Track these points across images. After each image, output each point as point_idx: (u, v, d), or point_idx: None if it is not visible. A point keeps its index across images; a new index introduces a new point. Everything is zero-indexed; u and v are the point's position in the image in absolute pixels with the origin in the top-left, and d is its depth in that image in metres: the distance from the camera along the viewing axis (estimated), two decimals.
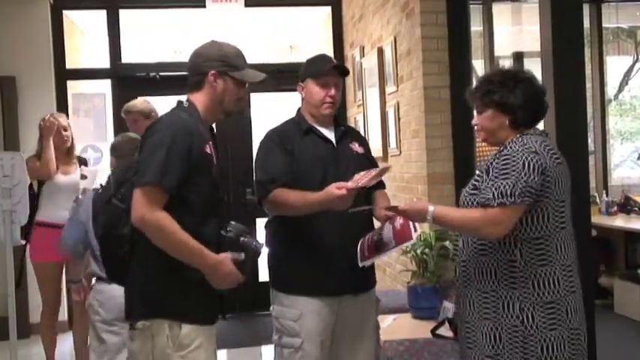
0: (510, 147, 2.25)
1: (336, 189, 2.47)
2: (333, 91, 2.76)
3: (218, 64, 2.35)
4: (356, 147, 2.85)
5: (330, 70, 2.77)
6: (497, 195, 2.17)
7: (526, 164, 2.17)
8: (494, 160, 2.28)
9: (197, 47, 2.43)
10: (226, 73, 2.36)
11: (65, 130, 4.33)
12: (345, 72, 2.89)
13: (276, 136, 2.79)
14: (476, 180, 2.33)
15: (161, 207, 2.15)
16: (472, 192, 2.31)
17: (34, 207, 4.18)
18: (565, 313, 2.23)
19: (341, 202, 2.49)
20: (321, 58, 2.90)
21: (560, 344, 2.21)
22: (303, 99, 2.86)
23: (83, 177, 4.30)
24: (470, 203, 2.30)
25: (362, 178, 2.52)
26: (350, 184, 2.49)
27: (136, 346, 2.28)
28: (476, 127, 2.43)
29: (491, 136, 2.36)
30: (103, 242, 2.34)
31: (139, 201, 2.14)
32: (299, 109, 2.89)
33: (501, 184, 2.17)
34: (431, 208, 2.30)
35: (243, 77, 2.40)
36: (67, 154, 4.34)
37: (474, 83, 2.47)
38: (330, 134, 2.81)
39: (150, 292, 2.23)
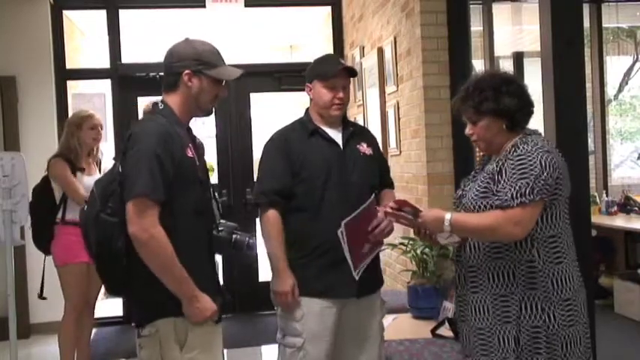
0: (523, 147, 2.24)
1: (290, 296, 2.66)
2: (341, 94, 2.75)
3: (192, 63, 2.31)
4: (364, 148, 2.83)
5: (338, 72, 2.74)
6: (517, 195, 2.16)
7: (543, 163, 2.17)
8: (505, 160, 2.25)
9: (170, 46, 2.39)
10: (201, 72, 2.32)
11: (101, 128, 4.27)
12: (353, 73, 2.86)
13: (280, 140, 2.79)
14: (486, 183, 2.28)
15: (157, 220, 2.14)
16: (484, 195, 2.26)
17: (55, 209, 4.07)
18: (580, 309, 2.27)
19: (278, 297, 2.68)
20: (328, 59, 2.88)
21: (577, 340, 2.25)
22: (311, 99, 2.84)
23: None
24: (482, 206, 2.25)
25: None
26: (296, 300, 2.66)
27: (145, 353, 2.28)
28: (473, 138, 2.38)
29: (490, 144, 2.34)
30: (99, 259, 2.28)
31: (136, 214, 2.11)
32: (307, 109, 2.87)
33: (520, 183, 2.16)
34: (447, 215, 2.26)
35: (218, 75, 2.36)
36: (88, 154, 4.22)
37: (459, 93, 2.41)
38: (337, 135, 2.80)
39: (154, 294, 2.21)
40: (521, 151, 2.23)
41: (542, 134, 2.89)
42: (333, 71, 2.73)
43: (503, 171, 2.24)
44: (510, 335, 2.24)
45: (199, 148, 3.55)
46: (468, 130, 2.38)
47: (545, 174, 2.16)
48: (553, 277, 2.22)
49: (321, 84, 2.75)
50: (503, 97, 2.27)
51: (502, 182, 2.22)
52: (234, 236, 2.38)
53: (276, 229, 2.69)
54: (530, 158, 2.19)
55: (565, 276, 2.24)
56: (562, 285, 2.23)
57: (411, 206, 2.37)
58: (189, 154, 2.30)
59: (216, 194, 2.52)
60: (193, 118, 2.45)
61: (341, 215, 2.60)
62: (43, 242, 4.11)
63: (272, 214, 2.70)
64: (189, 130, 2.42)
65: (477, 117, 2.31)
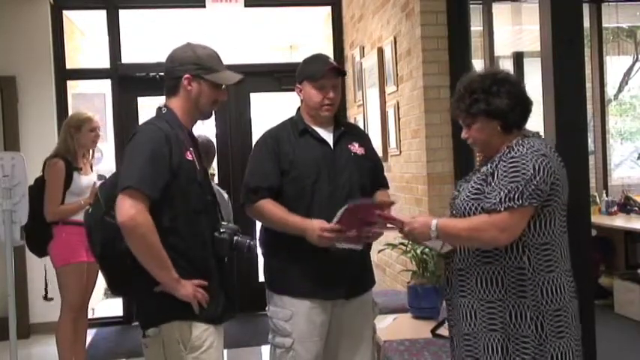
0: (518, 149, 2.17)
1: (319, 228, 2.52)
2: (331, 94, 2.73)
3: (191, 68, 2.34)
4: (355, 147, 2.81)
5: (327, 73, 2.72)
6: (505, 199, 2.09)
7: (536, 167, 2.10)
8: (498, 162, 2.20)
9: (172, 50, 2.42)
10: (200, 76, 2.35)
11: (99, 130, 4.30)
12: (342, 73, 2.84)
13: (271, 139, 2.78)
14: (479, 184, 2.23)
15: (144, 209, 2.16)
16: (475, 197, 2.21)
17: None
18: (571, 320, 2.19)
19: (317, 240, 2.54)
20: (316, 59, 2.83)
21: (567, 352, 2.17)
22: (301, 100, 2.83)
23: (101, 177, 4.24)
24: (473, 208, 2.20)
25: (354, 226, 2.51)
26: (335, 226, 2.50)
27: (150, 353, 2.33)
28: (469, 141, 2.33)
29: (487, 146, 2.28)
30: (103, 260, 2.33)
31: (126, 202, 2.14)
32: (299, 109, 2.86)
33: (510, 187, 2.10)
34: (434, 221, 2.22)
35: (217, 80, 2.38)
36: (83, 154, 4.23)
37: (454, 95, 2.35)
38: (327, 135, 2.78)
39: (158, 298, 2.25)
40: (516, 153, 2.16)
41: (543, 136, 2.87)
42: (322, 72, 2.71)
43: (496, 173, 2.18)
44: (497, 343, 2.18)
45: (210, 150, 3.59)
46: (463, 134, 2.33)
47: (537, 178, 2.09)
48: (543, 286, 2.15)
49: (310, 85, 2.73)
50: (493, 98, 2.20)
51: (493, 184, 2.17)
52: (235, 238, 2.39)
53: (274, 206, 2.66)
54: (523, 161, 2.12)
55: (556, 285, 2.16)
56: (553, 294, 2.15)
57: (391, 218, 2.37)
58: (189, 157, 2.32)
59: (220, 198, 2.53)
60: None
61: (330, 215, 2.58)
62: (40, 244, 4.12)
63: (264, 201, 2.68)
64: (190, 134, 2.44)
65: (470, 120, 2.26)
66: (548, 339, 2.14)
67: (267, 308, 2.81)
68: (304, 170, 2.69)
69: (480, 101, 2.21)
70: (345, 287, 2.71)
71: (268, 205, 2.67)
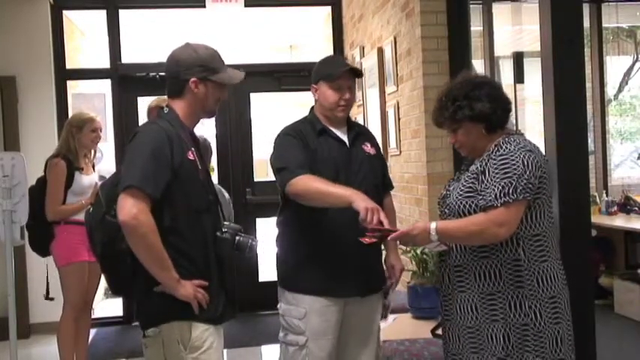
0: (505, 147, 2.26)
1: (375, 209, 2.36)
2: (347, 95, 2.74)
3: (198, 70, 2.35)
4: (368, 148, 2.84)
5: (343, 74, 2.74)
6: (500, 194, 2.17)
7: (525, 162, 2.20)
8: (488, 160, 2.28)
9: (172, 51, 2.41)
10: (207, 78, 2.36)
11: (101, 130, 4.32)
12: (359, 74, 2.86)
13: (294, 132, 2.77)
14: (470, 183, 2.30)
15: (146, 208, 2.16)
16: (468, 195, 2.28)
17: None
18: (564, 306, 2.29)
19: (367, 202, 2.37)
20: (333, 60, 2.87)
21: (563, 337, 2.26)
22: (316, 100, 2.83)
23: (102, 178, 4.24)
24: (468, 206, 2.27)
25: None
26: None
27: (149, 353, 2.34)
28: (456, 146, 2.42)
29: (474, 149, 2.37)
30: (104, 259, 2.33)
31: (128, 202, 2.14)
32: (312, 109, 2.87)
33: (503, 183, 2.18)
34: (432, 225, 2.28)
35: (222, 80, 2.40)
36: (85, 154, 4.25)
37: (435, 104, 2.43)
38: (343, 135, 2.80)
39: (158, 298, 2.25)
40: (504, 150, 2.25)
41: (543, 136, 2.90)
42: (339, 72, 2.73)
43: (487, 171, 2.26)
44: (499, 333, 2.26)
45: (208, 149, 3.60)
46: (450, 139, 2.42)
47: (527, 173, 2.18)
48: (539, 276, 2.25)
49: (327, 85, 2.74)
50: (476, 102, 2.29)
51: (485, 182, 2.24)
52: (237, 238, 2.39)
53: (315, 178, 2.54)
54: (512, 157, 2.22)
55: (550, 274, 2.26)
56: (548, 283, 2.25)
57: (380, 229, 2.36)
58: (191, 156, 2.33)
59: (221, 197, 2.52)
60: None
61: (347, 216, 2.56)
62: (42, 243, 4.13)
63: (310, 176, 2.55)
64: (192, 133, 2.45)
65: (456, 126, 2.35)
66: (546, 325, 2.24)
67: (278, 306, 2.80)
68: (323, 169, 2.68)
69: (464, 107, 2.31)
70: (359, 286, 2.73)
71: (314, 178, 2.55)
